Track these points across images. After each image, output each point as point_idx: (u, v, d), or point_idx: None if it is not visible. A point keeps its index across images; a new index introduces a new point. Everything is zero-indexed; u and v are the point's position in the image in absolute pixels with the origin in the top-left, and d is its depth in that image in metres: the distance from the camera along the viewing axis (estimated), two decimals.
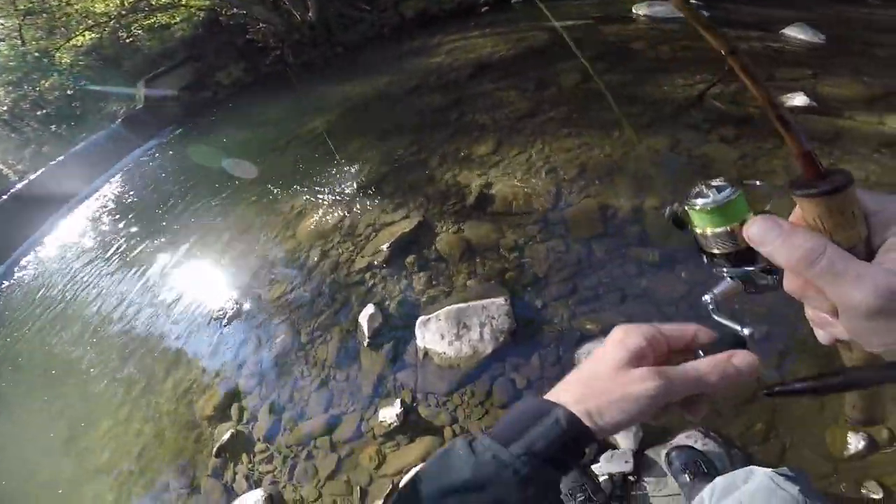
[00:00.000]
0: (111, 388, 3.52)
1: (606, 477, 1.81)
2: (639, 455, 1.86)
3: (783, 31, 5.00)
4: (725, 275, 0.50)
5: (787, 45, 4.83)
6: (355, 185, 4.20)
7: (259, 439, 2.61)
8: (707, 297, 0.50)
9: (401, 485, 0.46)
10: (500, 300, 2.60)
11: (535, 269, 2.73)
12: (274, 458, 2.51)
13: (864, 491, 1.61)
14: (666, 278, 2.43)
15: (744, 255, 0.46)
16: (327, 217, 3.94)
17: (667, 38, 4.97)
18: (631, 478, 1.80)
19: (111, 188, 7.84)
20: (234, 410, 2.83)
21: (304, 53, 8.99)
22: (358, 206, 3.88)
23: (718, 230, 0.46)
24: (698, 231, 0.48)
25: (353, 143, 5.03)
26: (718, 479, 1.25)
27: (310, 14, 9.15)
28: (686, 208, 0.48)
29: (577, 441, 0.44)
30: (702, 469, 1.62)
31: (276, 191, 4.80)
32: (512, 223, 3.05)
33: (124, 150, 8.83)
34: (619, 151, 3.36)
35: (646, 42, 4.99)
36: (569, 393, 0.46)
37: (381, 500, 2.09)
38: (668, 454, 1.76)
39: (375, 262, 3.23)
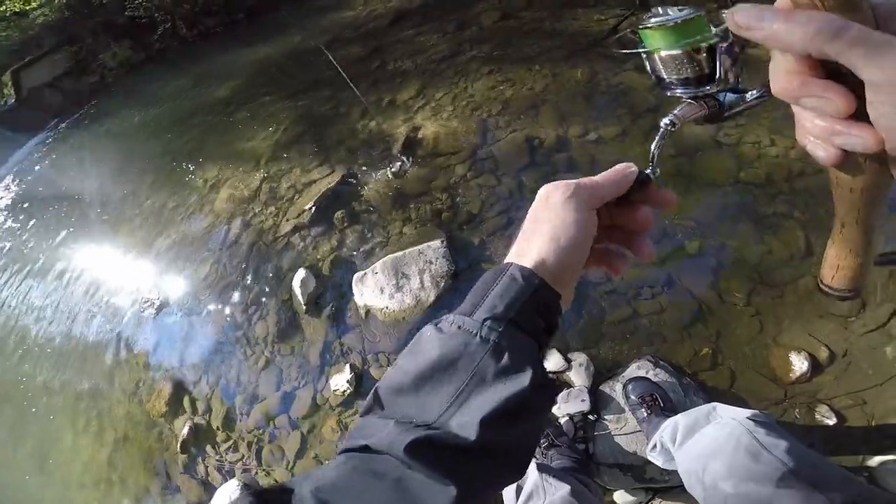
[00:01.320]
0: (58, 401, 3.14)
1: (567, 418, 1.77)
2: (594, 391, 1.84)
3: None
4: (684, 97, 0.47)
5: None
6: (270, 147, 3.89)
7: (218, 428, 2.44)
8: (666, 120, 0.47)
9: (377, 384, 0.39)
10: (437, 243, 2.49)
11: (468, 207, 2.66)
12: (239, 446, 2.36)
13: (817, 416, 1.64)
14: None
15: (702, 79, 0.44)
16: (244, 185, 3.63)
17: None
18: (591, 416, 1.77)
19: None
20: (185, 403, 2.62)
21: (200, 23, 8.13)
22: (276, 169, 3.60)
23: (675, 52, 0.42)
24: (654, 54, 0.44)
25: (264, 106, 4.66)
26: (679, 418, 1.22)
27: None
28: (641, 29, 0.43)
29: (542, 293, 0.40)
30: (658, 403, 1.60)
31: (184, 166, 4.37)
32: (442, 164, 2.94)
33: (6, 151, 7.73)
34: (541, 84, 3.33)
35: None
36: (522, 252, 0.43)
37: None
38: (623, 387, 1.74)
39: (301, 224, 3.02)
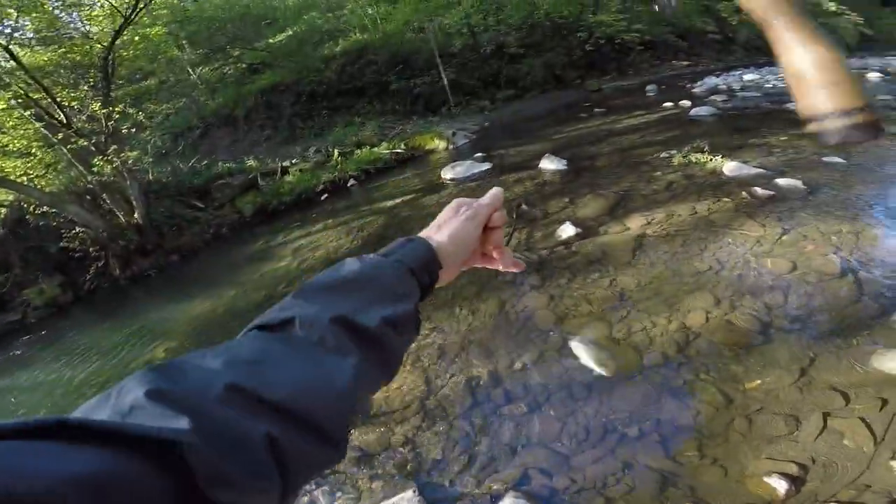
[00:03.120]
0: None
1: None
2: None
3: (539, 164, 6.60)
4: None
5: (545, 177, 6.51)
6: None
7: None
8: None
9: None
10: (409, 493, 2.73)
11: (431, 455, 2.97)
12: None
13: None
14: (543, 418, 2.93)
15: None
16: None
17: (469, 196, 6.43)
18: None
19: None
20: None
21: (133, 263, 8.12)
22: None
23: None
24: None
25: None
26: None
27: (135, 216, 8.37)
28: None
29: (432, 260, 0.60)
30: None
31: None
32: (397, 419, 3.30)
33: None
34: (465, 325, 4.02)
35: None
36: (431, 234, 0.66)
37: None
38: None
39: None
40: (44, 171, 8.89)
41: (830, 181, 4.71)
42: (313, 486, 3.04)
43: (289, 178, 8.90)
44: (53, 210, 8.21)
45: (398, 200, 7.05)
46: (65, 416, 0.29)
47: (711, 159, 5.66)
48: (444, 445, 3.01)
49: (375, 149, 9.39)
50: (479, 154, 8.24)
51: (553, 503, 2.45)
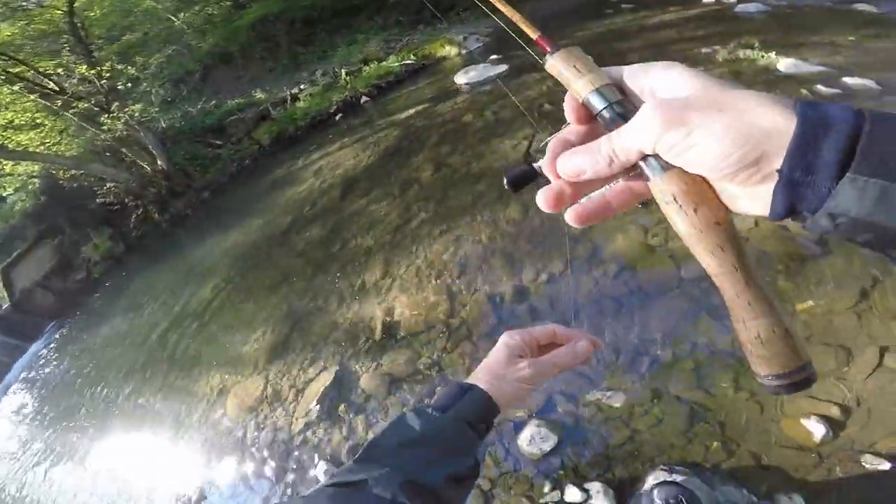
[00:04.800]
0: None
1: None
2: None
3: None
4: None
5: None
6: (265, 351, 4.20)
7: None
8: None
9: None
10: None
11: (457, 378, 2.98)
12: None
13: (866, 466, 1.73)
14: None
15: None
16: (249, 389, 3.91)
17: (486, 102, 5.72)
18: None
19: (8, 405, 6.90)
20: None
21: (171, 206, 8.51)
22: (274, 372, 3.90)
23: None
24: None
25: (247, 306, 5.01)
26: None
27: (159, 163, 8.66)
28: None
29: (489, 410, 0.63)
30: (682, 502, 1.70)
31: (186, 373, 4.66)
32: (423, 341, 3.27)
33: (10, 358, 7.72)
34: (486, 234, 3.76)
35: (472, 112, 5.66)
36: (479, 380, 0.67)
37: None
38: (648, 499, 1.85)
39: (310, 421, 3.29)
40: (59, 138, 9.05)
41: None
42: (351, 415, 3.16)
43: (300, 103, 8.78)
44: (81, 171, 8.62)
45: (412, 111, 6.63)
46: None
47: (763, 56, 4.83)
48: (470, 367, 2.99)
49: (384, 63, 8.93)
50: (494, 56, 7.39)
51: (576, 434, 2.35)
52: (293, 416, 3.44)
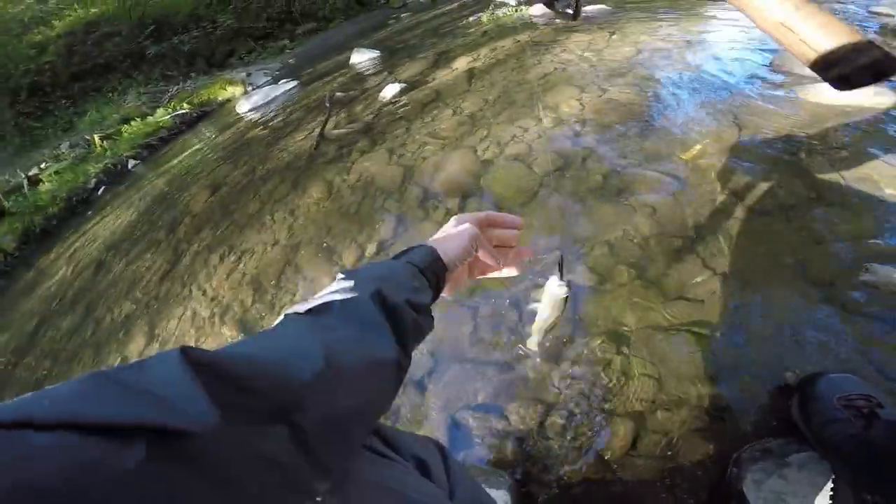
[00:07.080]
0: None
1: None
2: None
3: (349, 60, 5.57)
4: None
5: (357, 68, 5.20)
6: None
7: None
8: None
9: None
10: None
11: None
12: None
13: None
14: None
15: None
16: None
17: (273, 116, 5.30)
18: None
19: None
20: None
21: None
22: None
23: None
24: None
25: None
26: None
27: None
28: None
29: (436, 262, 0.67)
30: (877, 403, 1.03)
31: None
32: None
33: None
34: (284, 231, 2.84)
35: (258, 128, 5.11)
36: (436, 241, 0.73)
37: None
38: (800, 410, 1.19)
39: None
40: None
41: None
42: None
43: (44, 186, 6.75)
44: None
45: (187, 153, 5.67)
46: None
47: (518, 10, 5.48)
48: None
49: (151, 118, 7.40)
50: (283, 80, 6.79)
51: None
52: None
